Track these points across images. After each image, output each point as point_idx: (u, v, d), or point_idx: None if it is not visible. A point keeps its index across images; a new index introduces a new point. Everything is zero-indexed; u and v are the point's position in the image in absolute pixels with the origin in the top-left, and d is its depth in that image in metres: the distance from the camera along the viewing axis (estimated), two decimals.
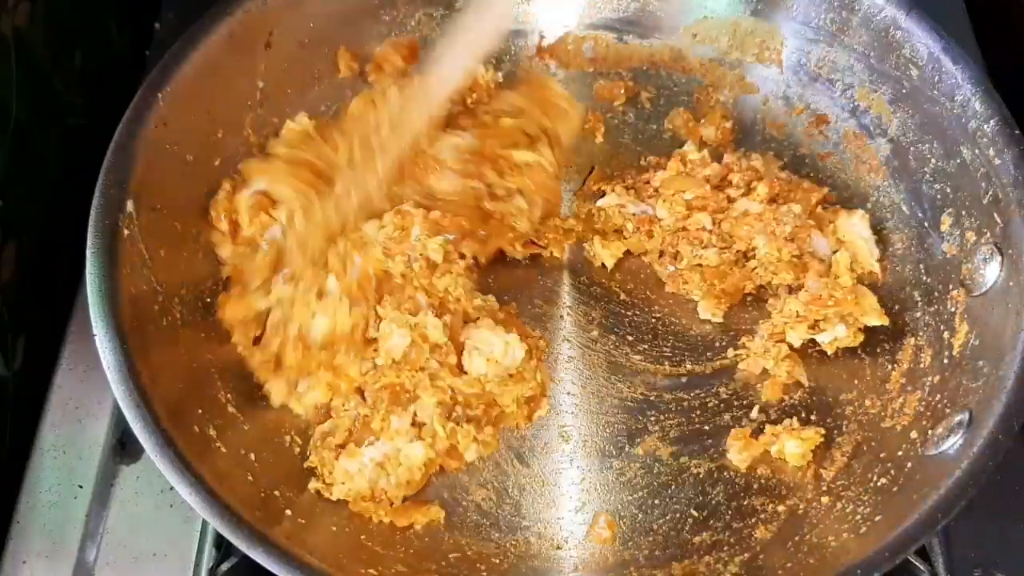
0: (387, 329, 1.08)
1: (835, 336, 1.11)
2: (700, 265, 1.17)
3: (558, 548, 1.03)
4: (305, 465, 1.03)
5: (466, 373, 1.08)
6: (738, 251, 1.18)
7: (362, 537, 0.99)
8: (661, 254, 1.21)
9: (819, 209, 1.21)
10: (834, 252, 1.18)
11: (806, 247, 1.16)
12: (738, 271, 1.17)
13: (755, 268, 1.17)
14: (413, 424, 1.05)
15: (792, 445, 1.05)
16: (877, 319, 1.12)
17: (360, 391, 1.08)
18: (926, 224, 1.15)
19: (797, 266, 1.15)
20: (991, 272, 1.03)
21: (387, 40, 1.29)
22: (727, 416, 1.11)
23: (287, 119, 1.20)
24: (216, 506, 0.86)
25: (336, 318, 1.07)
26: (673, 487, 1.06)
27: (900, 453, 1.00)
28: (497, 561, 1.01)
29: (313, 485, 1.02)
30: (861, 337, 1.12)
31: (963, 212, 1.09)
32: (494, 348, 1.08)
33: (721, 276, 1.16)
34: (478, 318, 1.11)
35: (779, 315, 1.14)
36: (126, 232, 0.98)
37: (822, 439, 1.06)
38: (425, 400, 1.05)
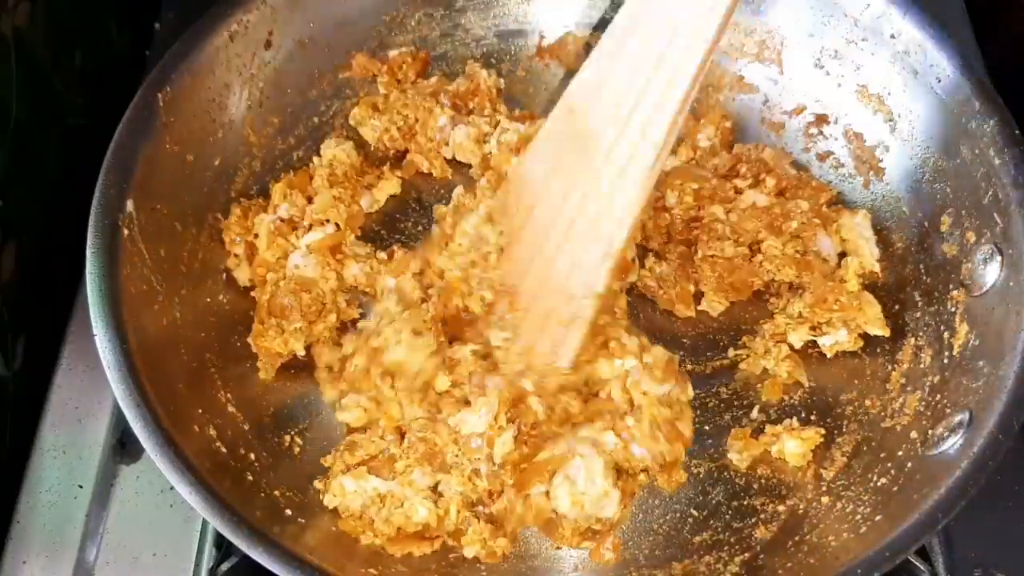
0: (475, 403, 1.01)
1: (836, 340, 1.11)
2: (713, 256, 1.17)
3: (558, 548, 1.02)
4: (321, 460, 1.03)
5: (525, 493, 1.00)
6: (747, 245, 1.18)
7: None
8: (668, 239, 1.21)
9: (824, 208, 1.21)
10: (839, 254, 1.19)
11: (811, 245, 1.17)
12: (747, 266, 1.17)
13: (761, 262, 1.17)
14: (433, 489, 1.01)
15: (792, 445, 1.05)
16: (880, 329, 1.11)
17: (402, 432, 1.04)
18: (926, 224, 1.15)
19: (800, 263, 1.15)
20: (991, 272, 1.03)
21: (404, 51, 1.30)
22: (727, 416, 1.11)
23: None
24: (216, 506, 0.86)
25: (411, 355, 1.05)
26: None
27: (900, 453, 1.00)
28: (498, 561, 1.01)
29: (317, 484, 1.02)
30: (861, 342, 1.12)
31: (963, 212, 1.09)
32: (589, 490, 0.98)
33: (731, 270, 1.16)
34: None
35: (782, 315, 1.14)
36: (126, 232, 0.98)
37: (822, 439, 1.06)
38: (453, 480, 1.00)
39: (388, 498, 0.99)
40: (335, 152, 1.22)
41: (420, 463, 1.00)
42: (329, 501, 1.00)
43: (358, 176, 1.22)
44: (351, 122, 1.28)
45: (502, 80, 1.32)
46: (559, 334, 1.06)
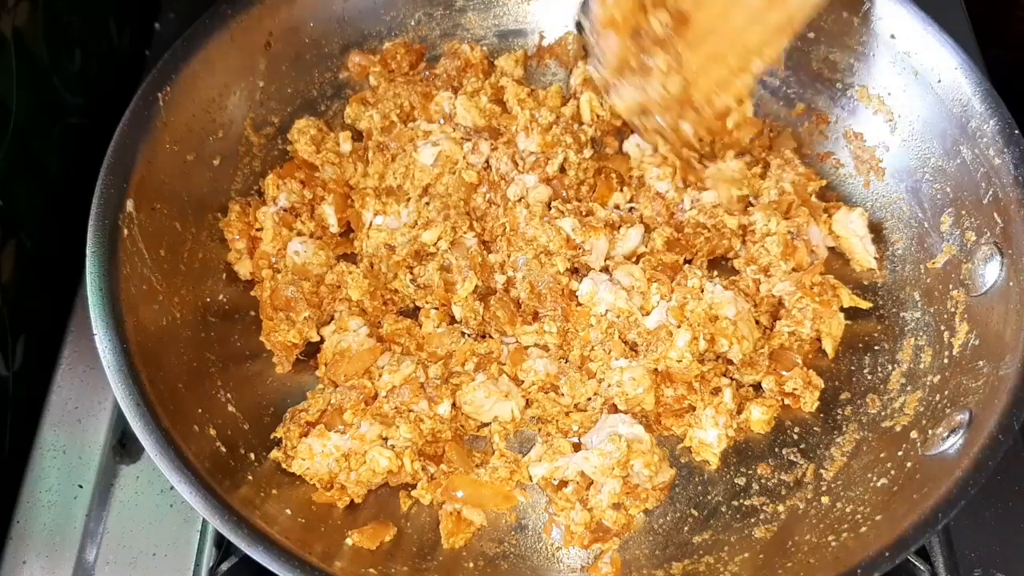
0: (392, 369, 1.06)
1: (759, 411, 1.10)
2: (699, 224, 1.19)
3: (558, 548, 1.03)
4: (272, 436, 1.04)
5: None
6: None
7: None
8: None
9: (814, 199, 1.22)
10: (830, 248, 1.19)
11: (802, 232, 1.17)
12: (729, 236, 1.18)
13: (744, 237, 1.18)
14: (384, 441, 1.04)
15: (758, 412, 1.07)
16: (830, 349, 1.12)
17: (334, 383, 1.08)
18: (926, 224, 1.15)
19: (788, 244, 1.15)
20: (991, 272, 1.03)
21: (398, 41, 1.30)
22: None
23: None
24: (216, 506, 0.86)
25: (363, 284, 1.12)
26: (674, 487, 1.06)
27: (900, 453, 1.00)
28: (498, 561, 1.01)
29: (275, 455, 1.03)
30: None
31: (963, 212, 1.09)
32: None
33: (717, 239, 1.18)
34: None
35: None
36: (126, 232, 0.98)
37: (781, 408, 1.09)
38: (401, 429, 1.03)
39: (352, 457, 1.01)
40: (294, 129, 1.22)
41: (357, 408, 1.03)
42: (297, 467, 1.01)
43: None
44: (347, 120, 1.28)
45: (486, 48, 1.32)
46: (722, 75, 1.08)
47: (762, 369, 1.10)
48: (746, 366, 1.10)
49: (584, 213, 1.18)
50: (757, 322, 1.13)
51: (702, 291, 1.09)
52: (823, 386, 1.09)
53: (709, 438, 1.05)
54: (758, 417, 1.08)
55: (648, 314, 1.10)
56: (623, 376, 1.06)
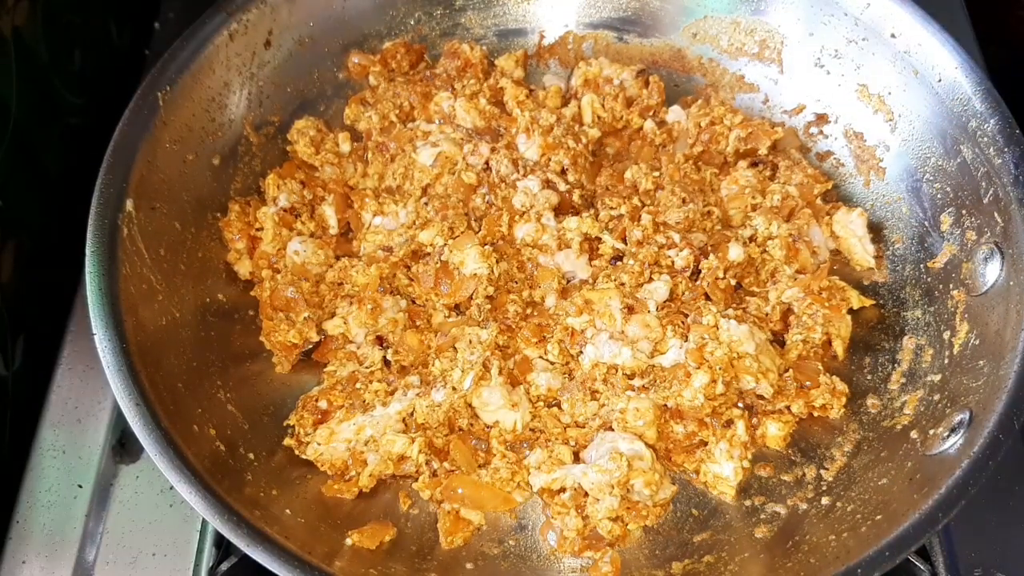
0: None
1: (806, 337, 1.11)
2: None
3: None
4: (284, 423, 1.05)
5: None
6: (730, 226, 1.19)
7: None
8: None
9: (818, 201, 1.22)
10: (832, 251, 1.19)
11: (804, 234, 1.17)
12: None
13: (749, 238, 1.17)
14: (404, 424, 1.05)
15: (773, 428, 1.06)
16: (840, 349, 1.12)
17: (360, 361, 1.09)
18: (926, 224, 1.15)
19: (791, 248, 1.15)
20: (991, 271, 1.03)
21: (399, 41, 1.30)
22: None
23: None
24: (216, 506, 0.86)
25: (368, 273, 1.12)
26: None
27: (900, 453, 1.00)
28: (498, 562, 1.01)
29: (287, 442, 1.04)
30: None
31: (963, 212, 1.09)
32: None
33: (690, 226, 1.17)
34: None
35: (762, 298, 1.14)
36: (126, 232, 0.98)
37: (797, 424, 1.07)
38: (417, 405, 1.04)
39: (371, 442, 1.03)
40: (294, 130, 1.23)
41: (384, 377, 1.06)
42: (312, 452, 1.02)
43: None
44: (347, 121, 1.28)
45: (486, 48, 1.33)
46: None
47: (791, 393, 1.08)
48: (777, 396, 1.08)
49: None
50: (773, 332, 1.12)
51: (717, 328, 1.06)
52: (848, 391, 1.08)
53: (725, 472, 1.03)
54: (774, 433, 1.07)
55: (663, 354, 1.08)
56: (628, 404, 1.04)
